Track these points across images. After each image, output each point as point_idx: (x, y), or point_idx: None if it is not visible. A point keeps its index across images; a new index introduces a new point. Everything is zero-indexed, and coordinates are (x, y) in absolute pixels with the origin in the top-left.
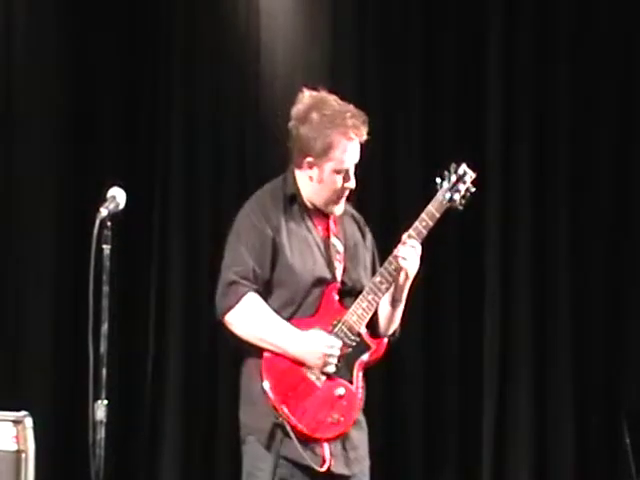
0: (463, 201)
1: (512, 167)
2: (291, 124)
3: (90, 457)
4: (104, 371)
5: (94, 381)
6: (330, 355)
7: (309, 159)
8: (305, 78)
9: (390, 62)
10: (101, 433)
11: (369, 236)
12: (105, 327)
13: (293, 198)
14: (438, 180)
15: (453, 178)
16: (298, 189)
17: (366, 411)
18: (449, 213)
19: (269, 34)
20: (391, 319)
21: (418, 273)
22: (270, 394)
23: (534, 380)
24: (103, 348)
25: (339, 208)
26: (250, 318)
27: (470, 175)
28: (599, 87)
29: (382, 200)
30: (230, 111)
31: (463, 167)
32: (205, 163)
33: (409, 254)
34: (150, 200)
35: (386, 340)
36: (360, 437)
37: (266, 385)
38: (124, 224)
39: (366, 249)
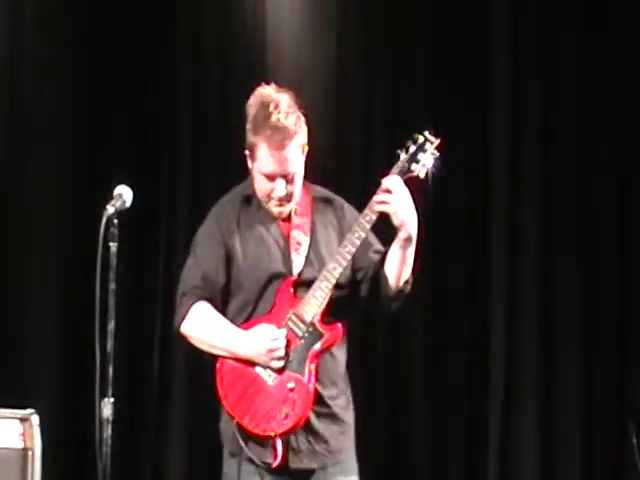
0: (424, 169)
1: (518, 170)
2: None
3: (97, 455)
4: (111, 369)
5: (101, 379)
6: (274, 349)
7: (246, 152)
8: (311, 75)
9: (397, 56)
10: (108, 431)
11: (349, 217)
12: (112, 324)
13: (248, 198)
14: (398, 152)
15: (412, 148)
16: (254, 188)
17: (370, 411)
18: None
19: (275, 24)
20: (402, 263)
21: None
22: (223, 400)
23: (541, 378)
24: (110, 346)
25: (278, 211)
26: (199, 326)
27: (431, 142)
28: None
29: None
30: (237, 108)
31: (423, 135)
32: (212, 161)
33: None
34: (156, 200)
35: (340, 325)
36: (331, 430)
37: (220, 392)
38: (131, 223)
39: (344, 234)
